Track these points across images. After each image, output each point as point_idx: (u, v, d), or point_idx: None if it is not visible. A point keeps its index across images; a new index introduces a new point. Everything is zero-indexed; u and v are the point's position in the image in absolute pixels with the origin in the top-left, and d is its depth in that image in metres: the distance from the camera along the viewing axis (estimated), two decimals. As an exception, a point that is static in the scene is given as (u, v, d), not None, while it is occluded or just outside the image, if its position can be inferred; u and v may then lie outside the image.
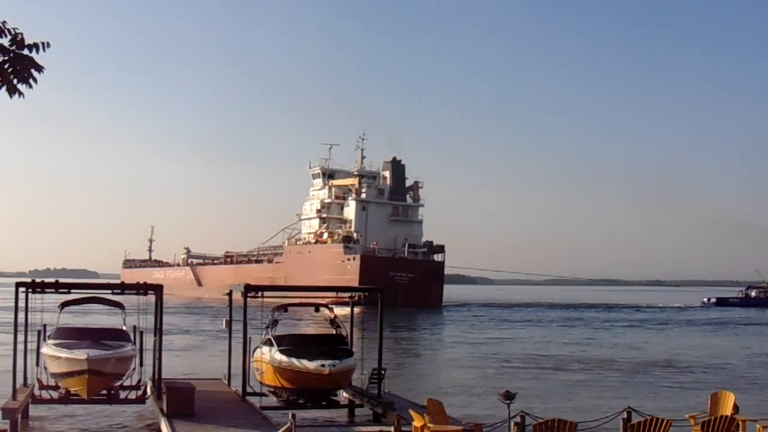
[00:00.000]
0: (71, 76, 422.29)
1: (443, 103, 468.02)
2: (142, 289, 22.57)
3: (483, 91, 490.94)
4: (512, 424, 14.52)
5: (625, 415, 15.47)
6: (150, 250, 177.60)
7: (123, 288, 23.88)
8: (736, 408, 16.17)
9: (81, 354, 18.98)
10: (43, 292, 20.74)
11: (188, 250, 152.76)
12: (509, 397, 14.87)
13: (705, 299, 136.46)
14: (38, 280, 21.33)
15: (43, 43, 8.01)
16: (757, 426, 15.68)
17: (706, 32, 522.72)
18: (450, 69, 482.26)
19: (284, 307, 23.31)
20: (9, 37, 7.84)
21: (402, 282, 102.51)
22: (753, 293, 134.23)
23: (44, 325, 21.71)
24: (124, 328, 22.55)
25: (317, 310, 25.00)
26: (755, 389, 30.46)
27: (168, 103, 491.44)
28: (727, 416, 15.00)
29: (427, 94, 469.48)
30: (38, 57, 8.01)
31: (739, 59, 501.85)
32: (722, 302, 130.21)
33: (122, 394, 21.06)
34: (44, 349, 20.58)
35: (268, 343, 20.99)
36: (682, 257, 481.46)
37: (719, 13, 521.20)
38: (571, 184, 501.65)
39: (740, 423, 15.24)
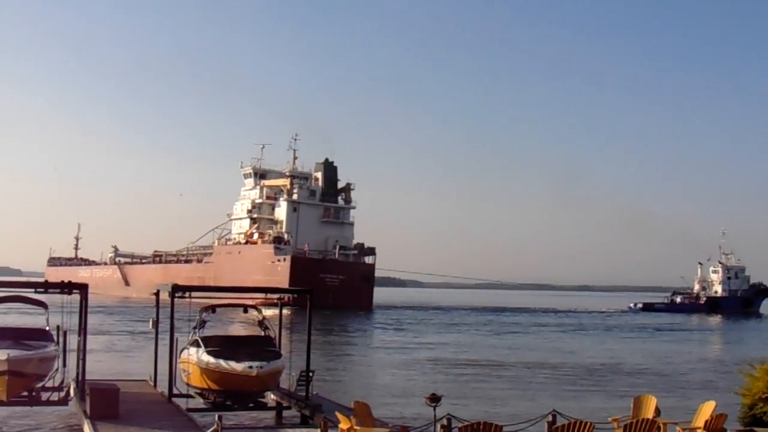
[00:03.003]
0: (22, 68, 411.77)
1: (377, 105, 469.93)
2: (66, 287, 21.96)
3: (418, 92, 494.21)
4: (438, 426, 14.59)
5: (550, 418, 15.72)
6: (76, 248, 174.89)
7: (46, 287, 23.10)
8: (657, 411, 16.49)
9: (0, 354, 18.46)
10: None
11: (116, 249, 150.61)
12: (435, 399, 14.93)
13: (632, 304, 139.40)
14: (-44, 278, 20.70)
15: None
16: (677, 428, 16.02)
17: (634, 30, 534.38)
18: (382, 71, 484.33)
19: (212, 308, 23.03)
20: None
21: (332, 284, 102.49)
22: (678, 299, 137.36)
23: None
24: (47, 328, 21.99)
25: (246, 311, 24.89)
26: (677, 392, 31.13)
27: (94, 98, 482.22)
28: (648, 419, 15.27)
29: (360, 97, 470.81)
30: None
31: (678, 53, 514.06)
32: (648, 308, 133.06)
33: (44, 396, 20.50)
34: None
35: (196, 344, 20.75)
36: (609, 263, 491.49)
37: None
38: (501, 188, 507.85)
39: (661, 425, 15.54)
